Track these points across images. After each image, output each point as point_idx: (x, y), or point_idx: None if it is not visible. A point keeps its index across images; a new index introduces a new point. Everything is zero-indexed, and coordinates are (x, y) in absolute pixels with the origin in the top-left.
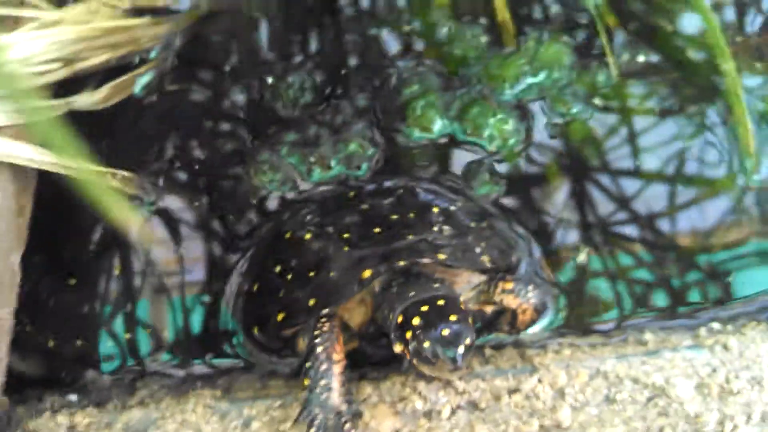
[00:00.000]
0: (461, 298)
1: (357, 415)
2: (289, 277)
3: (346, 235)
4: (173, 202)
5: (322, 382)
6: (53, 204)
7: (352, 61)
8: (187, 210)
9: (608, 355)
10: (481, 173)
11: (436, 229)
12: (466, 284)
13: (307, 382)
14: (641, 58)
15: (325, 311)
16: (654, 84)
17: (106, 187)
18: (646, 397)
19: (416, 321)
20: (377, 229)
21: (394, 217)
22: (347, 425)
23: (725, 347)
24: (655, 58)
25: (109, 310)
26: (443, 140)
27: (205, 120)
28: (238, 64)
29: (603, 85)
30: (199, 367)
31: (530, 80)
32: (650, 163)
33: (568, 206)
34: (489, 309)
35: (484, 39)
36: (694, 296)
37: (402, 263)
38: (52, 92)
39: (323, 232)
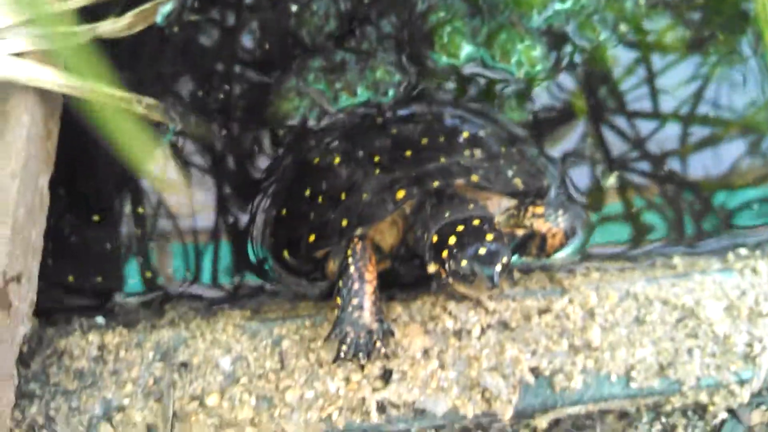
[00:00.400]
0: (495, 219)
1: (388, 334)
2: (320, 200)
3: (377, 159)
4: (198, 131)
5: (354, 301)
6: (77, 137)
7: None
8: (212, 140)
9: (638, 277)
10: (509, 98)
11: (467, 152)
12: (496, 207)
13: (339, 300)
14: None
15: (358, 232)
16: (682, 11)
17: (128, 116)
18: (676, 318)
19: (452, 240)
20: (408, 152)
21: (425, 141)
22: (378, 343)
23: (754, 271)
24: None
25: (135, 243)
26: (471, 66)
27: (227, 50)
28: None
29: (630, 12)
30: (228, 290)
31: (558, 6)
32: (676, 98)
33: (593, 135)
34: (520, 232)
35: None
36: (717, 223)
37: (436, 184)
38: (77, 18)
39: (353, 156)
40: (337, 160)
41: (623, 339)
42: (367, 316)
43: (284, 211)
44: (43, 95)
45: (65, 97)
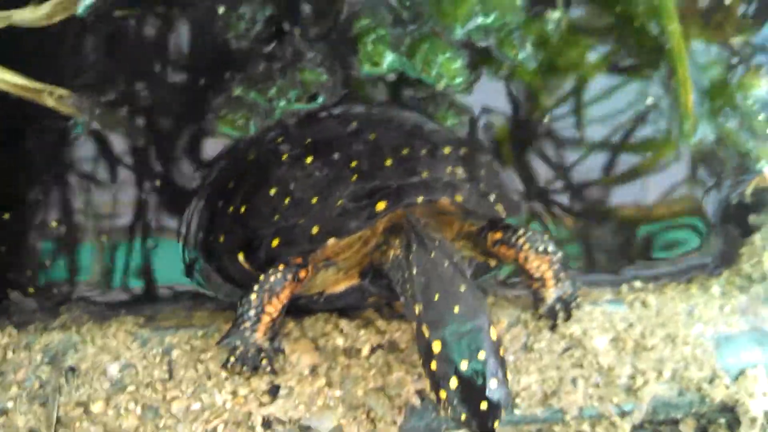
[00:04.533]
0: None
1: (278, 352)
2: (286, 201)
3: (354, 164)
4: (111, 125)
5: (247, 324)
6: None
7: None
8: (130, 134)
9: (529, 305)
10: (438, 107)
11: (449, 170)
12: (456, 232)
13: (237, 311)
14: (591, 13)
15: (331, 242)
16: (602, 40)
17: None
18: (563, 347)
19: (453, 384)
20: (388, 161)
21: (405, 151)
22: (264, 361)
23: (644, 304)
24: (606, 15)
25: (40, 242)
26: (393, 75)
27: (152, 47)
28: None
29: (551, 34)
30: (124, 295)
31: (481, 20)
32: (593, 117)
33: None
34: (493, 263)
35: None
36: (620, 253)
37: (420, 199)
38: None
39: (328, 158)
40: (309, 159)
41: (510, 365)
42: (258, 336)
43: (243, 209)
44: None
45: None
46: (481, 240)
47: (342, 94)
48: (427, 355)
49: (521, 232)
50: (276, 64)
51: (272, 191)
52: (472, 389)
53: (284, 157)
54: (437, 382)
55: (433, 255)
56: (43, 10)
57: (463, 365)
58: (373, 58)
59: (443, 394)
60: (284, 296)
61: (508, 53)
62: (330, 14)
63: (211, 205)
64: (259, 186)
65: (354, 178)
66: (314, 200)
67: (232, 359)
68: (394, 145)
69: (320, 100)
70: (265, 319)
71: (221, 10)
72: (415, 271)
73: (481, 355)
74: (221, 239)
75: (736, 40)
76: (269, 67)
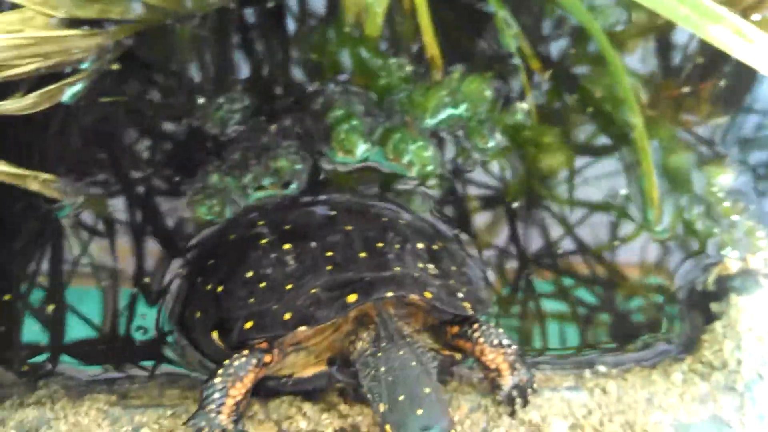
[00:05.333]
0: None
1: None
2: (262, 285)
3: (329, 254)
4: (94, 208)
5: (212, 406)
6: None
7: (280, 84)
8: (109, 216)
9: (490, 390)
10: (414, 196)
11: (421, 265)
12: (421, 324)
13: (202, 394)
14: (559, 104)
15: (302, 329)
16: (570, 129)
17: None
18: None
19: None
20: (363, 254)
21: (380, 245)
22: None
23: (604, 391)
24: (573, 105)
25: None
26: (365, 164)
27: (135, 133)
28: (170, 81)
29: (521, 124)
30: (100, 371)
31: (451, 111)
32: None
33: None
34: (458, 356)
35: (409, 68)
36: (585, 338)
37: (389, 294)
38: None
39: (304, 246)
40: (288, 246)
41: None
42: (223, 418)
43: (219, 288)
44: None
45: None
46: (441, 333)
47: (316, 181)
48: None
49: (476, 326)
50: (251, 152)
51: (249, 274)
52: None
53: (263, 241)
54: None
55: (401, 353)
56: (29, 100)
57: (400, 396)
58: (345, 146)
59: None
60: (248, 380)
61: (477, 143)
62: (305, 104)
63: (190, 280)
64: (237, 267)
65: (329, 267)
66: (289, 287)
67: None
68: (369, 238)
69: (293, 186)
70: (229, 402)
71: (201, 100)
72: (382, 369)
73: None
74: (197, 315)
75: (705, 127)
76: (245, 154)
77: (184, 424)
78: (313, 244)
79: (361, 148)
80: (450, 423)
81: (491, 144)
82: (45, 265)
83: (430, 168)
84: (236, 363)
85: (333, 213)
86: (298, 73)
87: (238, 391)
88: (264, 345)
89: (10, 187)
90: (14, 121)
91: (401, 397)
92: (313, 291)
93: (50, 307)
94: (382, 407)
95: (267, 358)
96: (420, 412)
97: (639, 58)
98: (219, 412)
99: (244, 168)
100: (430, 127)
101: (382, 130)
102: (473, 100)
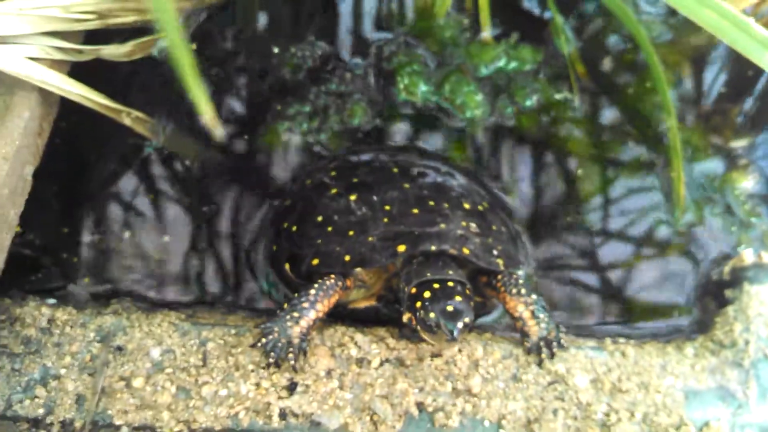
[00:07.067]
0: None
1: (302, 351)
2: (329, 229)
3: (387, 208)
4: (182, 150)
5: (295, 314)
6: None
7: (350, 35)
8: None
9: (521, 341)
10: (455, 139)
11: (464, 223)
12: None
13: (285, 306)
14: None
15: (357, 270)
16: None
17: None
18: (548, 381)
19: (427, 294)
20: (415, 210)
21: (431, 203)
22: (291, 354)
23: (623, 354)
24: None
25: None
26: (426, 105)
27: (215, 85)
28: (250, 37)
29: (560, 101)
30: (170, 295)
31: (503, 64)
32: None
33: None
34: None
35: (468, 34)
36: (609, 314)
37: (432, 248)
38: (85, 39)
39: (368, 199)
40: (353, 197)
41: (500, 391)
42: (296, 331)
43: (294, 228)
44: (45, 98)
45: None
46: (476, 282)
47: (380, 127)
48: (407, 299)
49: (500, 276)
50: (329, 99)
51: (319, 218)
52: (441, 297)
53: (333, 191)
54: (413, 300)
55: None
56: (126, 48)
57: (435, 285)
58: (408, 88)
59: (418, 304)
60: (333, 300)
61: (519, 99)
62: (372, 52)
63: (275, 220)
64: (310, 211)
65: (385, 220)
66: (351, 233)
67: (264, 341)
68: (423, 196)
69: (357, 121)
70: (312, 314)
71: (276, 49)
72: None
73: (450, 283)
74: (274, 248)
75: (731, 144)
76: (326, 104)
77: (257, 326)
78: (375, 197)
79: (422, 89)
80: (471, 313)
81: (528, 103)
82: (127, 195)
83: (478, 111)
84: (328, 283)
85: (395, 171)
86: (367, 25)
87: (324, 307)
88: (331, 279)
89: (108, 120)
90: (105, 69)
91: (435, 286)
92: (370, 239)
93: (127, 234)
94: (409, 290)
95: (348, 282)
96: (448, 300)
97: (674, 74)
98: (297, 323)
99: (324, 116)
100: (482, 76)
101: (440, 75)
102: (524, 62)
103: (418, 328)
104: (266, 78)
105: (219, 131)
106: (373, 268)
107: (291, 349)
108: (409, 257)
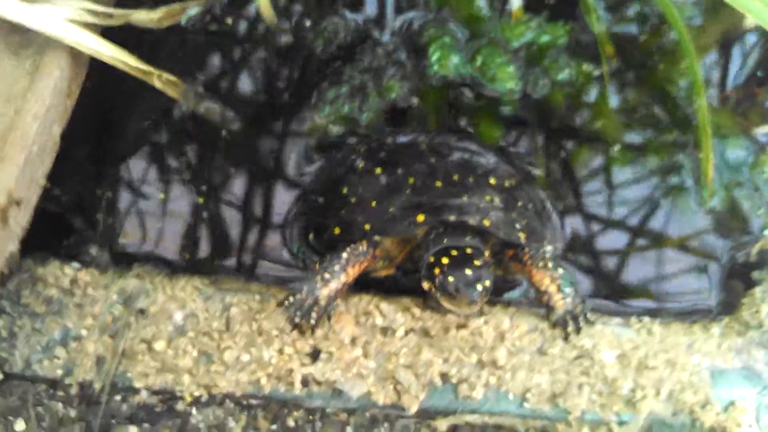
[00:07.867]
0: (486, 252)
1: (327, 315)
2: (353, 200)
3: (411, 180)
4: (212, 116)
5: (326, 275)
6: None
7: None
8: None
9: (546, 315)
10: (485, 114)
11: (488, 197)
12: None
13: (316, 266)
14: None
15: (376, 238)
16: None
17: None
18: (574, 355)
19: (445, 261)
20: (439, 183)
21: (456, 177)
22: (315, 316)
23: (649, 332)
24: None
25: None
26: (458, 78)
27: (246, 56)
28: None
29: (592, 77)
30: (192, 262)
31: (534, 37)
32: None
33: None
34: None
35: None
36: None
37: (451, 218)
38: (115, 3)
39: (393, 172)
40: (379, 170)
41: (525, 364)
42: (324, 293)
43: (320, 199)
44: (75, 58)
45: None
46: (502, 257)
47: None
48: (426, 267)
49: (526, 250)
50: (365, 76)
51: (344, 190)
52: (459, 263)
53: (360, 165)
54: (432, 267)
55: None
56: (156, 14)
57: (453, 252)
58: (440, 60)
59: (437, 270)
60: (362, 267)
61: (551, 72)
62: (401, 26)
63: (304, 193)
64: (336, 183)
65: (408, 191)
66: (373, 203)
67: (291, 299)
68: (449, 171)
69: (394, 96)
70: (343, 278)
71: (308, 23)
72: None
73: (468, 249)
74: (303, 220)
75: (760, 128)
76: (363, 83)
77: (287, 287)
78: (400, 171)
79: (454, 61)
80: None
81: (561, 76)
82: (155, 159)
83: (510, 84)
84: (360, 249)
85: (424, 147)
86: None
87: (353, 272)
88: (363, 245)
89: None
90: (133, 35)
91: (453, 253)
92: (391, 209)
93: (162, 195)
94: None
95: (377, 251)
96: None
97: (703, 58)
98: (325, 285)
99: (363, 96)
100: (514, 49)
101: (472, 48)
102: (556, 38)
103: (438, 294)
104: (298, 56)
105: (272, 18)
106: (391, 236)
107: (315, 310)
108: (431, 228)
